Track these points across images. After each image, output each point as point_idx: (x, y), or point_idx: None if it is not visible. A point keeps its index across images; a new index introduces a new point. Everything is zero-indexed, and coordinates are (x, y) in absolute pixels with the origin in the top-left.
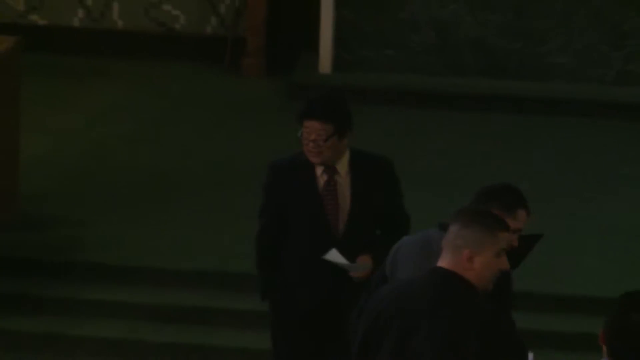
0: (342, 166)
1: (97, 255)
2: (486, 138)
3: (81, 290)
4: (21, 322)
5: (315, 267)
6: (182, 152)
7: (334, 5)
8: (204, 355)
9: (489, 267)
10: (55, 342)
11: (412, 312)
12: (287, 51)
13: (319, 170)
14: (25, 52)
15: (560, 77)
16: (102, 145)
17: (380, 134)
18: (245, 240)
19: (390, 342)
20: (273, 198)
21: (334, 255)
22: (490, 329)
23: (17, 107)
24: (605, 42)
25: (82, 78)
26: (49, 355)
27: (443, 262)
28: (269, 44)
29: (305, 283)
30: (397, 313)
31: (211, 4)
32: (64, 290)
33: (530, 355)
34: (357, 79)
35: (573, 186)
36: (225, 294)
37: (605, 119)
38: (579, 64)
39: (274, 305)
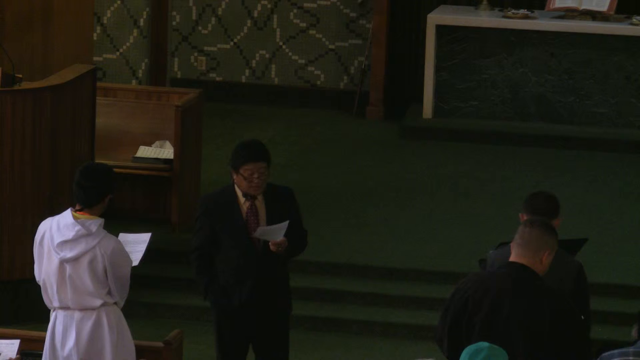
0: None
1: None
2: (542, 167)
3: None
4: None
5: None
6: (323, 175)
7: (434, 69)
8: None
9: (549, 265)
10: None
11: (496, 296)
12: (399, 102)
13: (241, 198)
14: (206, 101)
15: (600, 122)
16: None
17: (467, 163)
18: (374, 236)
19: (478, 322)
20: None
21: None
22: (561, 305)
23: (199, 142)
24: (633, 97)
25: (247, 120)
26: None
27: (519, 259)
28: (386, 96)
29: (236, 284)
30: (484, 298)
31: (344, 66)
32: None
33: None
34: (451, 123)
35: (603, 202)
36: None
37: (633, 154)
38: (614, 113)
39: (213, 302)
